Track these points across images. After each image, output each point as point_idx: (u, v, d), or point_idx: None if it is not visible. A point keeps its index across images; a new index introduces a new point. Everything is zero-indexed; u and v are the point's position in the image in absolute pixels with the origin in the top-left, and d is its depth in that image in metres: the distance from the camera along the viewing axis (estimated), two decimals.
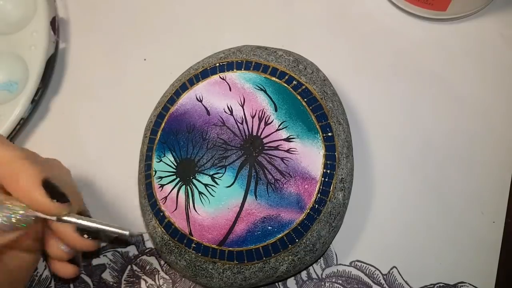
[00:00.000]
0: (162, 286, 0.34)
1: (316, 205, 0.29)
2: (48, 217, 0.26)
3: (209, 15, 0.39)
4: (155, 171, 0.32)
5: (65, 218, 0.26)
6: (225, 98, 0.32)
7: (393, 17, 0.37)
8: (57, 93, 0.39)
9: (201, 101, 0.32)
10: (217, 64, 0.33)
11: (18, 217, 0.25)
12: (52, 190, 0.25)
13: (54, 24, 0.38)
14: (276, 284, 0.33)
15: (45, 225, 0.28)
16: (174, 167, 0.31)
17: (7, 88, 0.37)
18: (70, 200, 0.26)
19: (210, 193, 0.30)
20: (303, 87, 0.31)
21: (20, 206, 0.25)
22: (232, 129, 0.31)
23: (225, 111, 0.31)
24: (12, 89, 0.37)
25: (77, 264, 0.30)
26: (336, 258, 0.33)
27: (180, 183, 0.31)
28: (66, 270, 0.29)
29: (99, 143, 0.37)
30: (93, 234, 0.28)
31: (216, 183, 0.30)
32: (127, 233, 0.28)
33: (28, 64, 0.36)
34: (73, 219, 0.27)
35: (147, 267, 0.34)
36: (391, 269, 0.32)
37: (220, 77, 0.32)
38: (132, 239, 0.34)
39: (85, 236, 0.27)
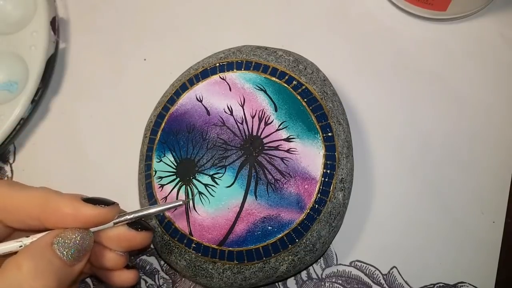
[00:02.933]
0: (162, 286, 0.34)
1: (316, 205, 0.29)
2: (105, 226, 0.27)
3: (209, 15, 0.39)
4: (155, 171, 0.32)
5: (120, 219, 0.27)
6: (225, 98, 0.32)
7: (393, 17, 0.37)
8: (57, 93, 0.39)
9: (201, 101, 0.32)
10: (217, 64, 0.33)
11: (83, 239, 0.25)
12: (94, 201, 0.26)
13: (54, 24, 0.38)
14: (276, 284, 0.33)
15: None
16: (174, 167, 0.31)
17: (7, 88, 0.37)
18: (114, 201, 0.27)
19: (210, 193, 0.30)
20: (303, 87, 0.31)
21: (78, 230, 0.25)
22: (232, 129, 0.31)
23: (225, 111, 0.31)
24: (12, 89, 0.37)
25: (133, 267, 0.30)
26: (336, 258, 0.33)
27: (180, 183, 0.31)
28: (129, 276, 0.29)
29: (99, 143, 0.37)
30: (144, 225, 0.28)
31: (216, 183, 0.30)
32: (180, 202, 0.28)
33: (28, 64, 0.36)
34: (128, 216, 0.27)
35: (147, 267, 0.34)
36: (391, 269, 0.32)
37: (220, 77, 0.32)
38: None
39: (139, 230, 0.28)
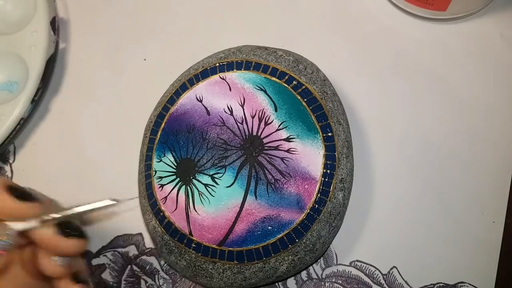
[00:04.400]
0: (162, 286, 0.34)
1: (316, 205, 0.29)
2: (27, 226, 0.24)
3: (209, 15, 0.39)
4: (155, 171, 0.32)
5: (45, 218, 0.24)
6: (225, 98, 0.32)
7: (393, 17, 0.37)
8: (57, 93, 0.39)
9: (201, 101, 0.32)
10: (217, 64, 0.33)
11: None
12: (19, 193, 0.24)
13: (54, 24, 0.38)
14: (276, 284, 0.33)
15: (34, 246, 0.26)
16: (174, 167, 0.31)
17: (7, 88, 0.37)
18: (40, 199, 0.24)
19: (210, 193, 0.30)
20: (303, 87, 0.31)
21: None
22: (232, 129, 0.31)
23: (225, 111, 0.31)
24: (12, 89, 0.37)
25: (84, 282, 0.26)
26: (336, 258, 0.33)
27: (180, 183, 0.31)
28: None
29: (99, 143, 0.37)
30: (75, 232, 0.25)
31: (216, 183, 0.30)
32: (113, 202, 0.25)
33: (28, 64, 0.36)
34: (54, 215, 0.24)
35: (147, 267, 0.34)
36: (391, 269, 0.32)
37: (220, 77, 0.32)
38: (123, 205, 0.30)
39: (68, 236, 0.24)
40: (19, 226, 0.24)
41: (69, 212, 0.24)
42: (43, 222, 0.24)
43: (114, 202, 0.25)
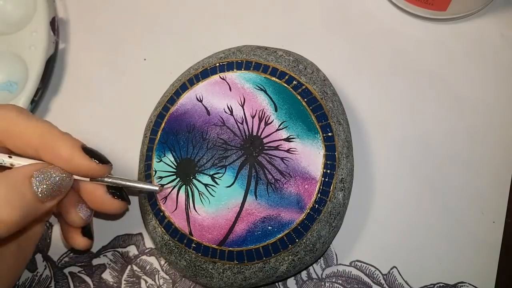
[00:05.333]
0: (162, 286, 0.34)
1: (316, 205, 0.29)
2: (83, 178, 0.28)
3: (209, 15, 0.39)
4: (155, 171, 0.32)
5: (99, 179, 0.28)
6: (225, 98, 0.32)
7: (393, 17, 0.37)
8: (57, 93, 0.39)
9: (201, 101, 0.32)
10: (217, 64, 0.33)
11: (62, 181, 0.26)
12: (92, 154, 0.27)
13: (54, 24, 0.38)
14: (276, 284, 0.33)
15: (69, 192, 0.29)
16: (174, 167, 0.31)
17: (7, 88, 0.37)
18: (108, 161, 0.28)
19: (210, 193, 0.30)
20: (303, 87, 0.31)
21: (60, 171, 0.26)
22: (232, 129, 0.31)
23: (225, 111, 0.31)
24: (12, 89, 0.37)
25: (90, 237, 0.31)
26: (336, 258, 0.33)
27: (180, 183, 0.31)
28: (80, 242, 0.30)
29: (99, 143, 0.37)
30: (121, 195, 0.29)
31: (216, 183, 0.30)
32: (157, 188, 0.30)
33: (27, 64, 0.36)
34: (107, 179, 0.28)
35: (147, 267, 0.34)
36: (391, 269, 0.32)
37: (220, 77, 0.32)
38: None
39: (116, 197, 0.29)
40: (75, 176, 0.27)
41: (120, 181, 0.29)
42: (95, 181, 0.28)
43: (159, 187, 0.30)
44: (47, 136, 0.26)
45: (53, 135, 0.26)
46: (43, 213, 0.26)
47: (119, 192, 0.29)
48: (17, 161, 0.27)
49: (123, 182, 0.29)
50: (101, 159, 0.27)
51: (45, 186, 0.25)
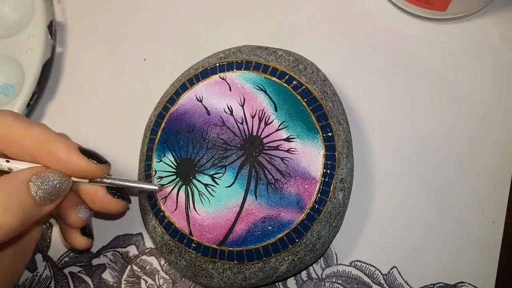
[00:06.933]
0: (162, 286, 0.34)
1: (316, 205, 0.29)
2: (82, 180, 0.27)
3: (209, 15, 0.39)
4: (155, 171, 0.32)
5: (98, 180, 0.28)
6: (225, 98, 0.32)
7: (393, 17, 0.37)
8: (53, 97, 0.39)
9: (201, 101, 0.32)
10: (217, 64, 0.33)
11: (61, 184, 0.26)
12: (89, 154, 0.27)
13: (51, 28, 0.38)
14: (276, 284, 0.33)
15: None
16: (174, 167, 0.31)
17: (3, 91, 0.37)
18: (106, 161, 0.28)
19: (210, 193, 0.30)
20: (303, 87, 0.31)
21: (58, 174, 0.26)
22: (232, 129, 0.31)
23: (225, 111, 0.31)
24: (8, 93, 0.36)
25: (90, 236, 0.31)
26: (336, 258, 0.33)
27: (180, 183, 0.31)
28: (80, 241, 0.30)
29: (99, 143, 0.37)
30: (122, 194, 0.29)
31: (216, 183, 0.30)
32: (156, 187, 0.30)
33: (24, 68, 0.36)
34: (106, 180, 0.28)
35: (147, 267, 0.34)
36: (391, 269, 0.32)
37: (220, 77, 0.32)
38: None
39: (116, 197, 0.29)
40: (74, 178, 0.27)
41: (120, 182, 0.29)
42: (94, 182, 0.28)
43: (159, 186, 0.30)
44: (43, 139, 0.26)
45: (49, 138, 0.26)
46: (42, 217, 0.26)
47: (120, 191, 0.29)
48: (15, 165, 0.27)
49: (122, 183, 0.29)
50: (99, 159, 0.27)
51: (43, 191, 0.25)
